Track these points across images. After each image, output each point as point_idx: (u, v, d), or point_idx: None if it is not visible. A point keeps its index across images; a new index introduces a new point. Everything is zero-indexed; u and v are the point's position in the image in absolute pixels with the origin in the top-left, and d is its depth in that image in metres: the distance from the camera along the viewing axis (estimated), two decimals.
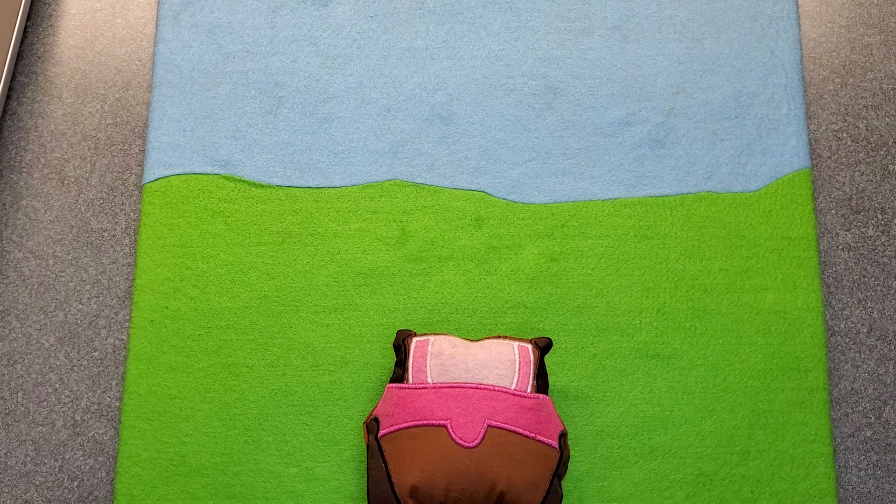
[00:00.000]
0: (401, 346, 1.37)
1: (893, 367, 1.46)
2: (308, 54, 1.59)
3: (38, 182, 1.54)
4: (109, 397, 1.45)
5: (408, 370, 1.34)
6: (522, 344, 1.35)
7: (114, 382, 1.45)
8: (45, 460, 1.42)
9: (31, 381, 1.45)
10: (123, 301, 1.49)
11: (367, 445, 1.33)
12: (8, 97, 1.58)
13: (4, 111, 1.58)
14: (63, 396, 1.45)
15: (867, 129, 1.57)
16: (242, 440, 1.41)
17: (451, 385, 1.31)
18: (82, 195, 1.54)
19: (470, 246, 1.50)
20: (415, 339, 1.36)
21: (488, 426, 1.29)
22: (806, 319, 1.46)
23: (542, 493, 1.29)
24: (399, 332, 1.39)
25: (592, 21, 1.61)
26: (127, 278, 1.50)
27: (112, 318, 1.48)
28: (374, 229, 1.50)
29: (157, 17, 1.61)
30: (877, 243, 1.52)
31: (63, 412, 1.44)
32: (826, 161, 1.55)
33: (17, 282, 1.50)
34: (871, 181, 1.54)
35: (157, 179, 1.52)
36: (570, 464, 1.40)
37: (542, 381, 1.35)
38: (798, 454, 1.40)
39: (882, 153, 1.56)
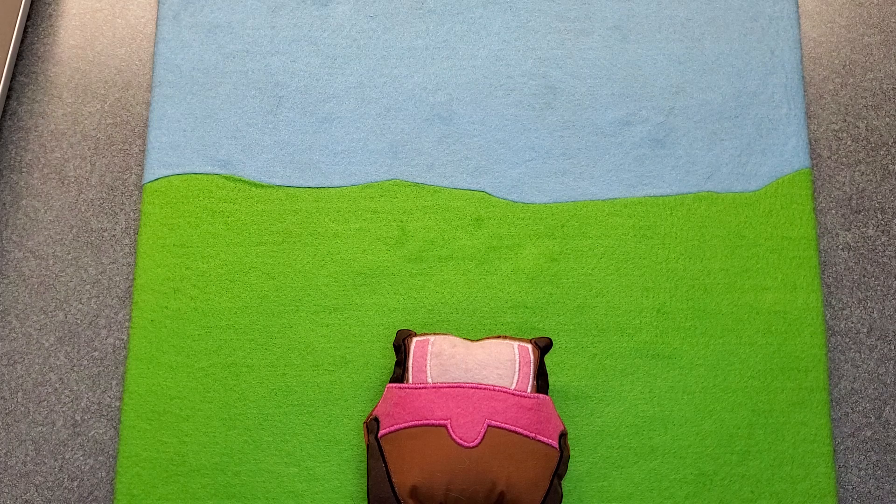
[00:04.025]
0: (401, 346, 1.37)
1: (893, 367, 1.46)
2: (308, 54, 1.59)
3: (38, 182, 1.54)
4: (109, 397, 1.45)
5: (408, 370, 1.34)
6: (522, 344, 1.35)
7: (114, 382, 1.45)
8: (45, 460, 1.42)
9: (31, 381, 1.45)
10: (123, 301, 1.49)
11: (367, 445, 1.33)
12: (8, 97, 1.58)
13: (4, 111, 1.57)
14: (63, 396, 1.45)
15: (867, 129, 1.57)
16: (242, 440, 1.41)
17: (451, 385, 1.31)
18: (82, 195, 1.54)
19: (470, 246, 1.50)
20: (415, 339, 1.36)
21: (488, 426, 1.29)
22: (806, 319, 1.46)
23: (542, 492, 1.29)
24: (399, 332, 1.38)
25: (592, 21, 1.61)
26: (127, 278, 1.50)
27: (112, 318, 1.48)
28: (374, 229, 1.50)
29: (157, 17, 1.61)
30: (877, 243, 1.52)
31: (63, 412, 1.44)
32: (826, 161, 1.55)
33: (17, 282, 1.50)
34: (871, 181, 1.54)
35: (157, 179, 1.52)
36: (570, 464, 1.40)
37: (542, 381, 1.35)
38: (798, 454, 1.40)
39: (882, 153, 1.56)
